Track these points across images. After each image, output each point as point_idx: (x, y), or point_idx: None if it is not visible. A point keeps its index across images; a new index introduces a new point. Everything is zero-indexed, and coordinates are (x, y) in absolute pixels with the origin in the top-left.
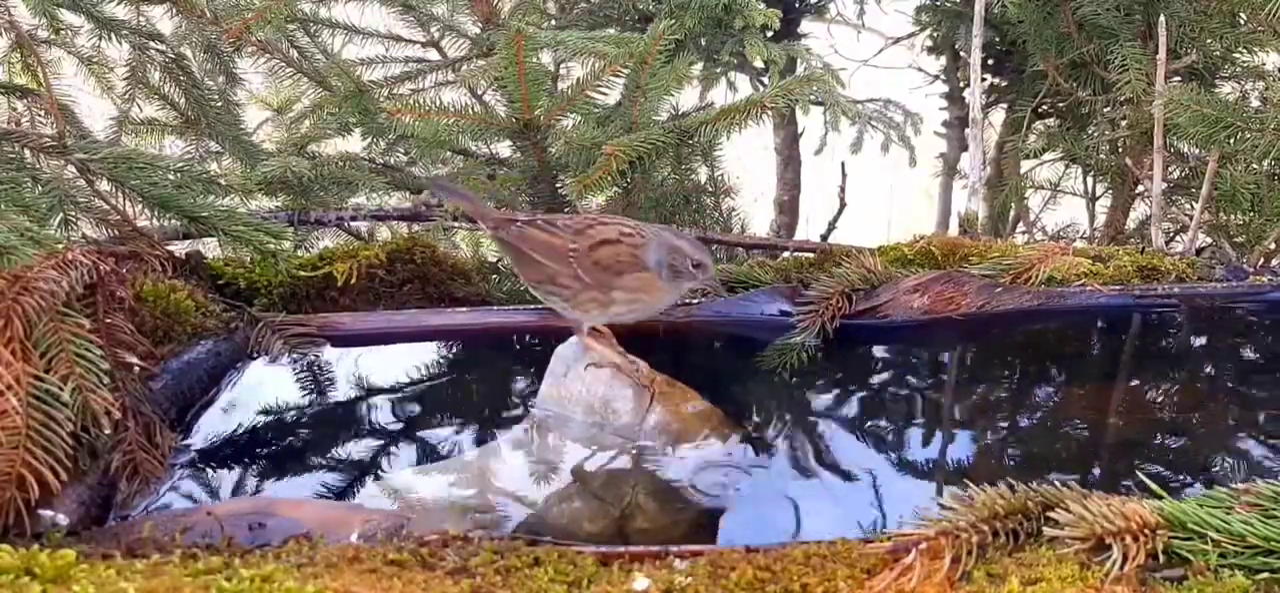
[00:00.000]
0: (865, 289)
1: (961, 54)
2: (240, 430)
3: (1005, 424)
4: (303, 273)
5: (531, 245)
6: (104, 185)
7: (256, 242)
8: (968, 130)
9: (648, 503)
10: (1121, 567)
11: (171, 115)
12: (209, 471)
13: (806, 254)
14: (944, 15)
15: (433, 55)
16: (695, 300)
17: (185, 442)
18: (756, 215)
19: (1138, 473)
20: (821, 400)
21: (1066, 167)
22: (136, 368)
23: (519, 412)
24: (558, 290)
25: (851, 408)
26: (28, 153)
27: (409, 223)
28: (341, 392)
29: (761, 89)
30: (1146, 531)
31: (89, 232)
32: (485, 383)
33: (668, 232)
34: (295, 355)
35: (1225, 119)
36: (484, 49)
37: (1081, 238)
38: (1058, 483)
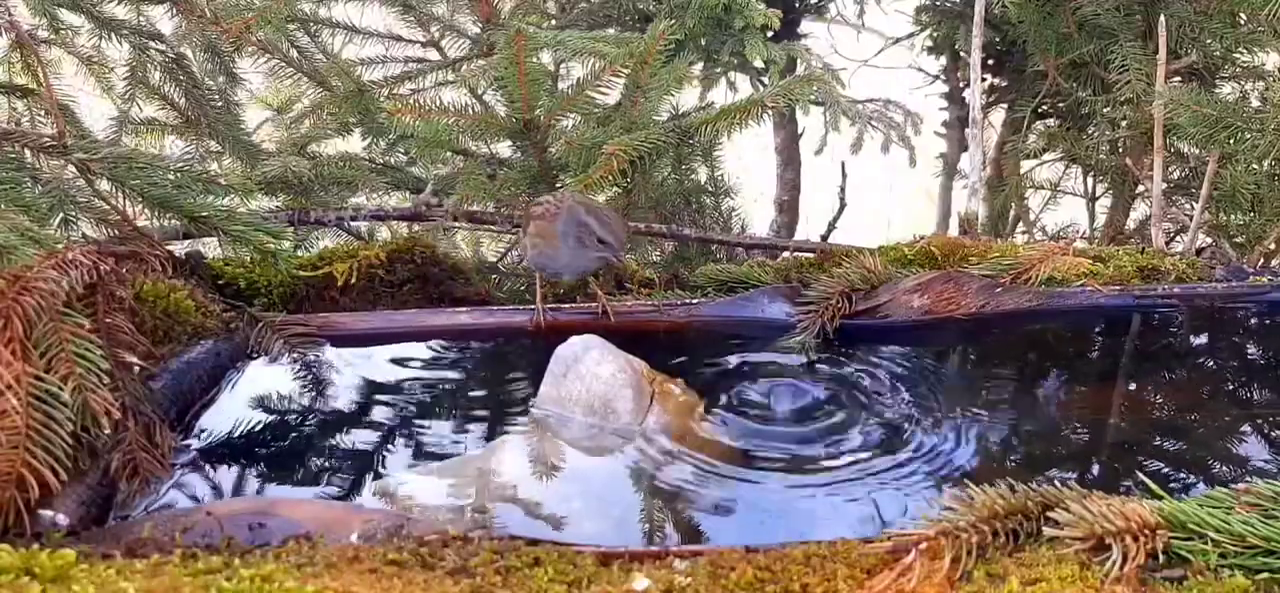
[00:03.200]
0: (865, 289)
1: (961, 54)
2: (240, 431)
3: (1005, 424)
4: (303, 273)
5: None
6: (104, 185)
7: (256, 242)
8: (968, 130)
9: (648, 503)
10: (1121, 567)
11: (171, 115)
12: (209, 470)
13: (806, 254)
14: (944, 15)
15: (433, 55)
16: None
17: (185, 442)
18: (756, 215)
19: (1138, 473)
20: (821, 400)
21: (1066, 167)
22: (136, 368)
23: (519, 412)
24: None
25: (851, 408)
26: (28, 153)
27: (409, 223)
28: (341, 392)
29: (761, 89)
30: (1146, 531)
31: (89, 232)
32: (485, 383)
33: (584, 208)
34: (295, 355)
35: (1225, 119)
36: (484, 49)
37: (1081, 238)
38: (1058, 483)
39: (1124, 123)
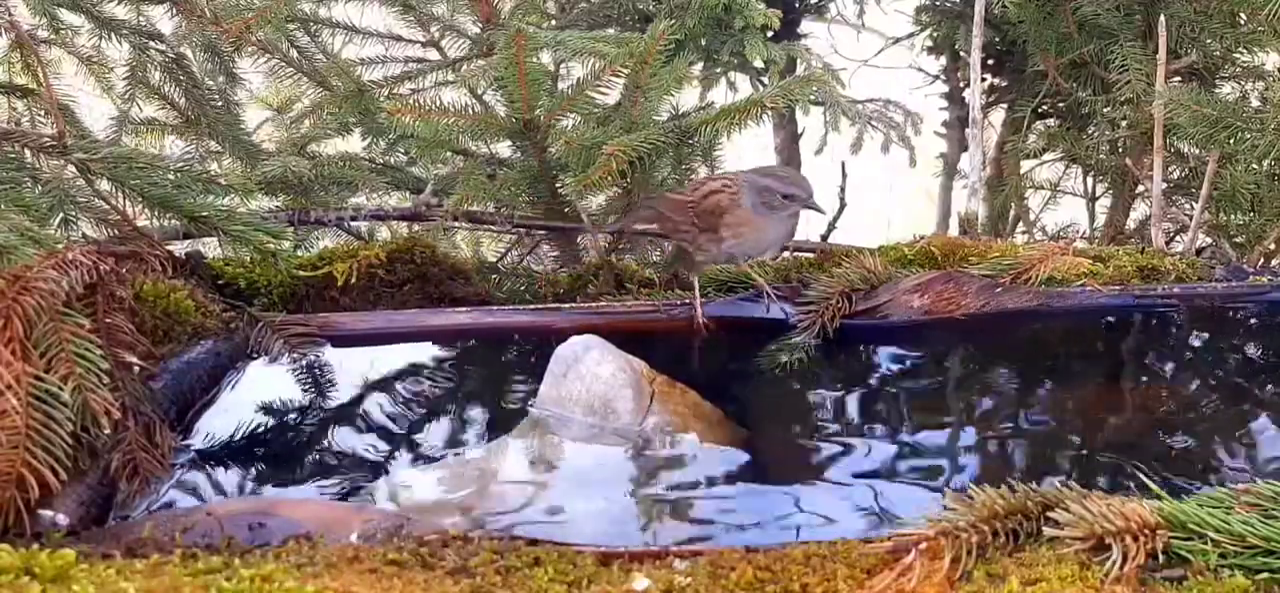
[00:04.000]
0: (865, 289)
1: (961, 54)
2: (240, 431)
3: (1005, 424)
4: (303, 273)
5: (666, 206)
6: (104, 185)
7: (256, 242)
8: (968, 130)
9: (648, 503)
10: (1121, 567)
11: (171, 115)
12: (209, 470)
13: (806, 254)
14: (944, 15)
15: (433, 55)
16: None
17: (185, 442)
18: None
19: (1138, 473)
20: (821, 400)
21: (1066, 167)
22: (136, 368)
23: (519, 412)
24: (681, 236)
25: (851, 408)
26: (28, 153)
27: (409, 223)
28: (341, 392)
29: (761, 89)
30: (1146, 531)
31: (89, 232)
32: (485, 383)
33: (756, 174)
34: (295, 355)
35: (1225, 119)
36: (484, 49)
37: (1081, 238)
38: (1058, 483)
39: (1124, 123)
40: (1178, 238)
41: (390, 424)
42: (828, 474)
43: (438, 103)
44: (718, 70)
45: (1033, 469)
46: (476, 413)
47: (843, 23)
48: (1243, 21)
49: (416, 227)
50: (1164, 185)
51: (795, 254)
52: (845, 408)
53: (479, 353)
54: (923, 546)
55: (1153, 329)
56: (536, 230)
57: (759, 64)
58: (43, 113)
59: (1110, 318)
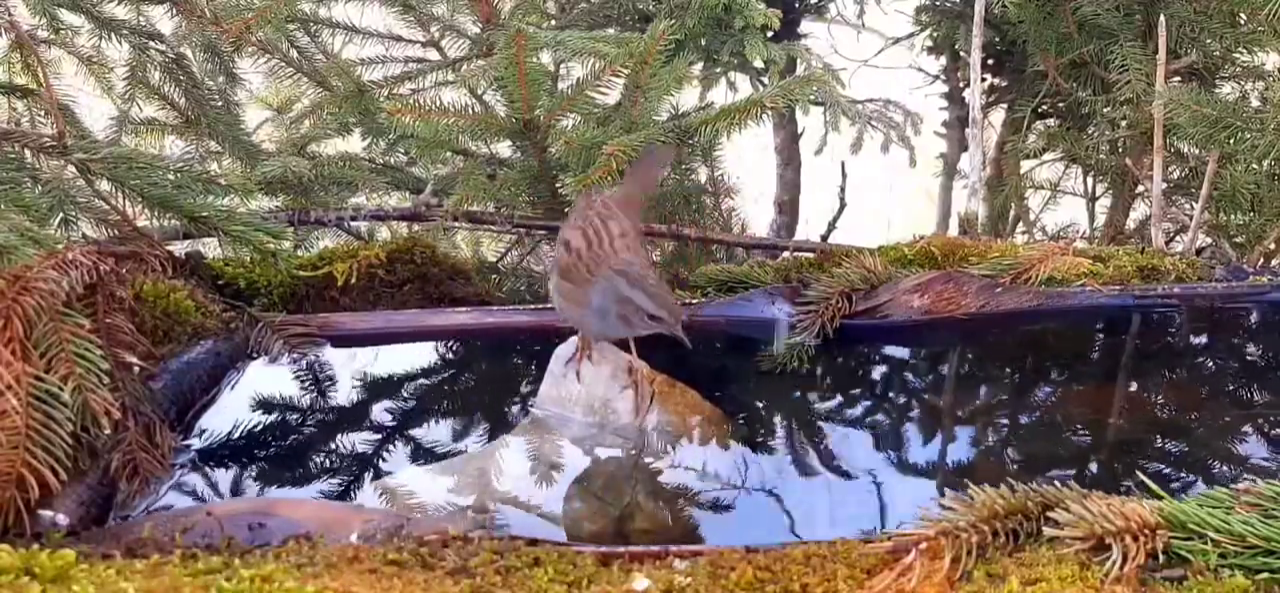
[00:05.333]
0: (865, 289)
1: (961, 54)
2: (240, 431)
3: (1005, 424)
4: (303, 273)
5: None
6: (104, 185)
7: (256, 242)
8: (968, 130)
9: (648, 503)
10: (1121, 567)
11: (171, 115)
12: (209, 471)
13: (806, 254)
14: (944, 15)
15: (433, 55)
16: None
17: (185, 442)
18: (756, 215)
19: (1138, 473)
20: (821, 400)
21: (1066, 167)
22: (136, 368)
23: (519, 412)
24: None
25: (851, 408)
26: (28, 153)
27: (409, 223)
28: (341, 392)
29: (761, 89)
30: (1146, 531)
31: (89, 232)
32: (485, 383)
33: (627, 277)
34: (295, 355)
35: (1225, 119)
36: (484, 49)
37: (1081, 238)
38: (1058, 483)
39: (1124, 123)
40: (1178, 238)
41: (390, 424)
42: (828, 474)
43: (438, 103)
44: (718, 70)
45: (1033, 469)
46: (476, 413)
47: (843, 23)
48: (1243, 21)
49: (416, 227)
50: (1164, 185)
51: (795, 254)
52: (845, 408)
53: (479, 353)
54: (923, 546)
55: (1153, 329)
56: (536, 230)
57: (759, 64)
58: (43, 113)
59: (1110, 318)
